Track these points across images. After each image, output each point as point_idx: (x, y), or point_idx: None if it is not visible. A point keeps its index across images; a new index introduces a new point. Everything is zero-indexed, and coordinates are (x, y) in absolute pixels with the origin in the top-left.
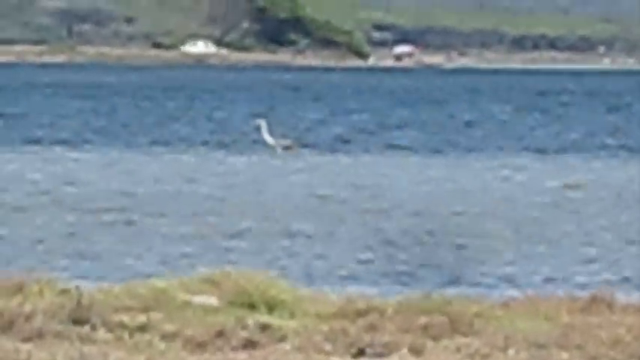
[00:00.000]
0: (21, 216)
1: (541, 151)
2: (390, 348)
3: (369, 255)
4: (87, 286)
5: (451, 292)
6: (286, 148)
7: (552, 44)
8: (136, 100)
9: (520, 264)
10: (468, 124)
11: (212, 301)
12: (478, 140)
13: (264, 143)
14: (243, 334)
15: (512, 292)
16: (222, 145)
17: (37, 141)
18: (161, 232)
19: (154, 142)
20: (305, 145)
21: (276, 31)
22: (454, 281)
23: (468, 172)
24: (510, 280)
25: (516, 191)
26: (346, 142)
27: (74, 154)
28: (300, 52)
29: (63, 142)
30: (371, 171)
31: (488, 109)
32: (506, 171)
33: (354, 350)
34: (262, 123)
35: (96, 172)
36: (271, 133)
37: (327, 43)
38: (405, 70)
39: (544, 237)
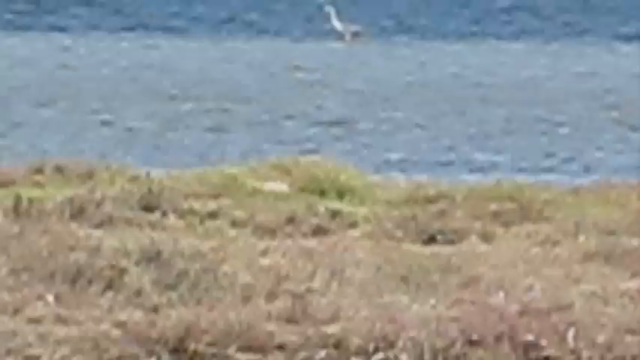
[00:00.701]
0: (117, 104)
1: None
2: (460, 234)
3: (447, 142)
4: (158, 173)
5: (522, 178)
6: (355, 34)
7: None
8: None
9: (592, 151)
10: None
11: (282, 187)
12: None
13: (334, 30)
14: (314, 220)
15: (583, 179)
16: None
17: (131, 28)
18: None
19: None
20: (380, 32)
21: None
22: (529, 168)
23: (576, 58)
24: (582, 167)
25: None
26: (425, 27)
27: (167, 42)
28: None
29: (161, 29)
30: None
31: None
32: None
33: (424, 237)
34: (331, 9)
35: (191, 60)
36: (340, 19)
37: None
38: None
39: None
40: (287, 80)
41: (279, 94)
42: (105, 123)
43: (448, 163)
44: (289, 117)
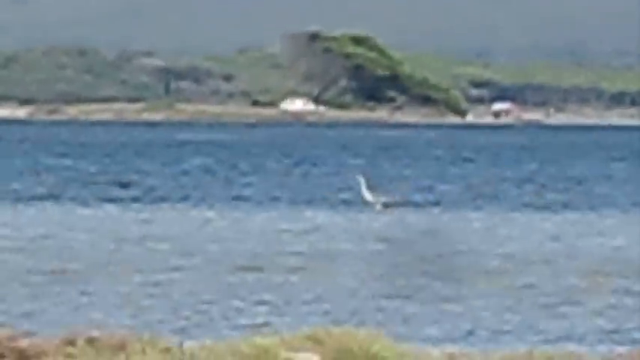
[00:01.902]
0: (176, 275)
1: None
2: None
3: (480, 313)
4: (190, 344)
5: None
6: (386, 205)
7: None
8: (237, 158)
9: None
10: (583, 180)
11: (314, 358)
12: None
13: (364, 200)
14: None
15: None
16: (319, 202)
17: (162, 199)
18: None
19: (275, 199)
20: (404, 203)
21: (374, 89)
22: (568, 336)
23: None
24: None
25: None
26: (447, 199)
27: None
28: (398, 109)
29: (183, 199)
30: (475, 228)
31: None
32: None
33: None
34: (361, 179)
35: (224, 229)
36: (370, 189)
37: (425, 100)
38: (504, 127)
39: None
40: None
41: None
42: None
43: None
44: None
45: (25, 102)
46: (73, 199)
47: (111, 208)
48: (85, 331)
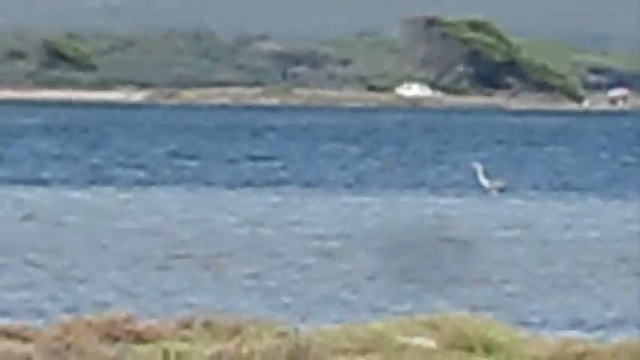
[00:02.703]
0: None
1: None
2: None
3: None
4: (305, 329)
5: None
6: (501, 189)
7: None
8: (351, 144)
9: None
10: None
11: (430, 343)
12: None
13: (480, 186)
14: None
15: None
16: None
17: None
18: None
19: (386, 185)
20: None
21: (491, 75)
22: None
23: None
24: None
25: None
26: (565, 184)
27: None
28: (514, 95)
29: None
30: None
31: None
32: None
33: None
34: (478, 166)
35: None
36: (487, 175)
37: (542, 87)
38: (620, 114)
39: None
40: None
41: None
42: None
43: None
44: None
45: (142, 86)
46: (211, 184)
47: (249, 192)
48: (201, 315)
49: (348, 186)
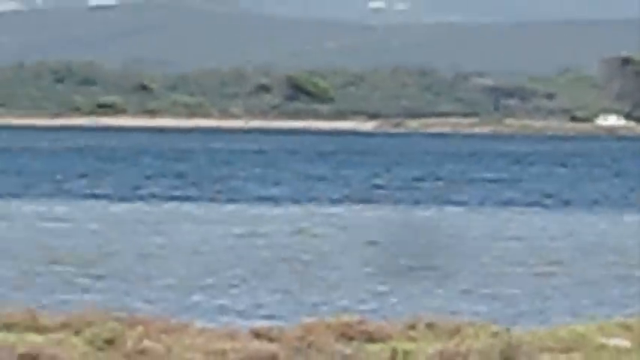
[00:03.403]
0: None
1: None
2: None
3: None
4: (517, 329)
5: None
6: None
7: None
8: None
9: None
10: None
11: (625, 343)
12: None
13: None
14: None
15: None
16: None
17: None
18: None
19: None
20: None
21: None
22: None
23: None
24: None
25: None
26: None
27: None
28: None
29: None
30: None
31: None
32: None
33: None
34: None
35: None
36: None
37: None
38: None
39: None
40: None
41: None
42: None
43: None
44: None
45: (373, 116)
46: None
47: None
48: (424, 317)
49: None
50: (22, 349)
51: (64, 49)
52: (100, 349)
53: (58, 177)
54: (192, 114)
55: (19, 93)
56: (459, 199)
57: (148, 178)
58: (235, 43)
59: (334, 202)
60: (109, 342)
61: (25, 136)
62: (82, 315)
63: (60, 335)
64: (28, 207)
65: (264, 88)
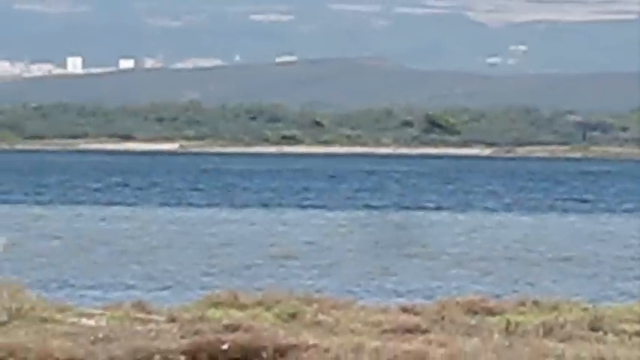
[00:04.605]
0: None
1: None
2: None
3: None
4: (602, 304)
5: None
6: None
7: None
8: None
9: None
10: None
11: None
12: None
13: None
14: None
15: None
16: None
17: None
18: None
19: None
20: None
21: None
22: None
23: None
24: None
25: None
26: None
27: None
28: None
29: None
30: None
31: None
32: None
33: None
34: None
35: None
36: None
37: None
38: None
39: None
40: None
41: None
42: None
43: None
44: None
45: (489, 145)
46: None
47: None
48: (531, 296)
49: None
50: (226, 322)
51: (257, 94)
52: (285, 321)
53: (271, 193)
54: (353, 143)
55: (222, 128)
56: (564, 206)
57: (357, 191)
58: (386, 90)
59: (497, 209)
60: (292, 315)
61: (227, 160)
62: (271, 295)
63: (255, 311)
64: (257, 214)
65: (408, 124)
